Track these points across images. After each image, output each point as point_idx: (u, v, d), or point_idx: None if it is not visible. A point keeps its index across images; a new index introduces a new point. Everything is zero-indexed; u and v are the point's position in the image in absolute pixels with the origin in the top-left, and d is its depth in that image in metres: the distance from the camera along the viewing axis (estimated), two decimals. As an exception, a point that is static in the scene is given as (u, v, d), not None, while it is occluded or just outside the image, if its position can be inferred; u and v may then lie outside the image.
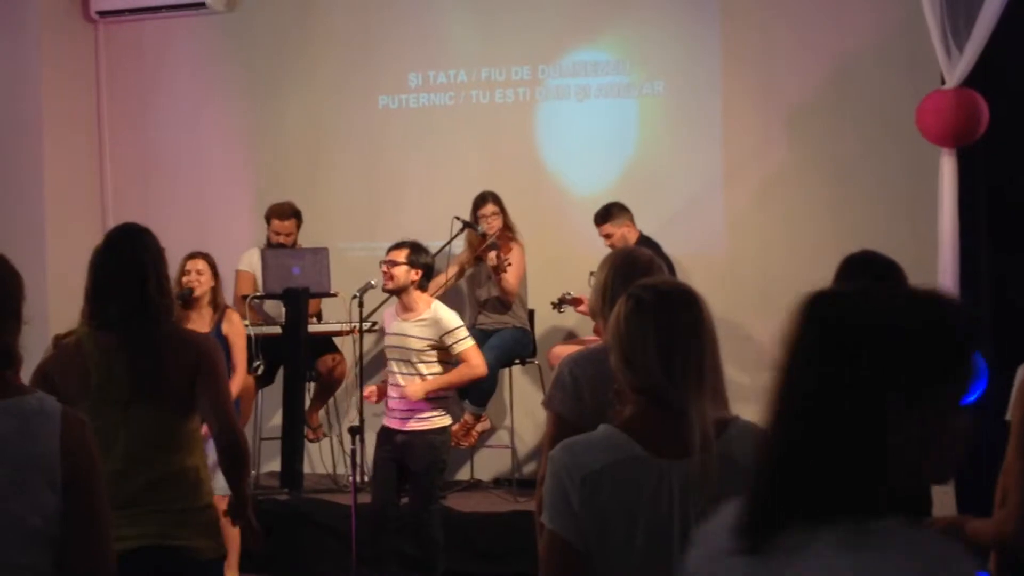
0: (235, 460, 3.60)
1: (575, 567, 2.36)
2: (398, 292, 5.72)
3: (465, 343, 5.72)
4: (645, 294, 2.44)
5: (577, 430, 3.12)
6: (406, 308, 5.75)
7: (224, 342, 5.92)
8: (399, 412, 5.73)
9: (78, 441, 2.39)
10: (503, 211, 7.22)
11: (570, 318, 7.44)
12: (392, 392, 5.78)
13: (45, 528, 2.34)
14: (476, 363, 5.75)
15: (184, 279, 5.96)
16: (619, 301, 2.48)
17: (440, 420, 5.76)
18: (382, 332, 5.95)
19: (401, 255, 5.68)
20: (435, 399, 5.72)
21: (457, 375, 5.74)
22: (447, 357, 5.74)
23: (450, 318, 5.74)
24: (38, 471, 2.33)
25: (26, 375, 2.49)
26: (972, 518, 3.01)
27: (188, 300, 5.93)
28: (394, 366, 5.75)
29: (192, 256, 6.08)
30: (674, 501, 2.32)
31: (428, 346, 5.67)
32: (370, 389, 5.98)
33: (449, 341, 5.68)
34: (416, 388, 5.63)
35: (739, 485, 2.32)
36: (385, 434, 5.80)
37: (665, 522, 2.32)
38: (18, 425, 2.34)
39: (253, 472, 7.22)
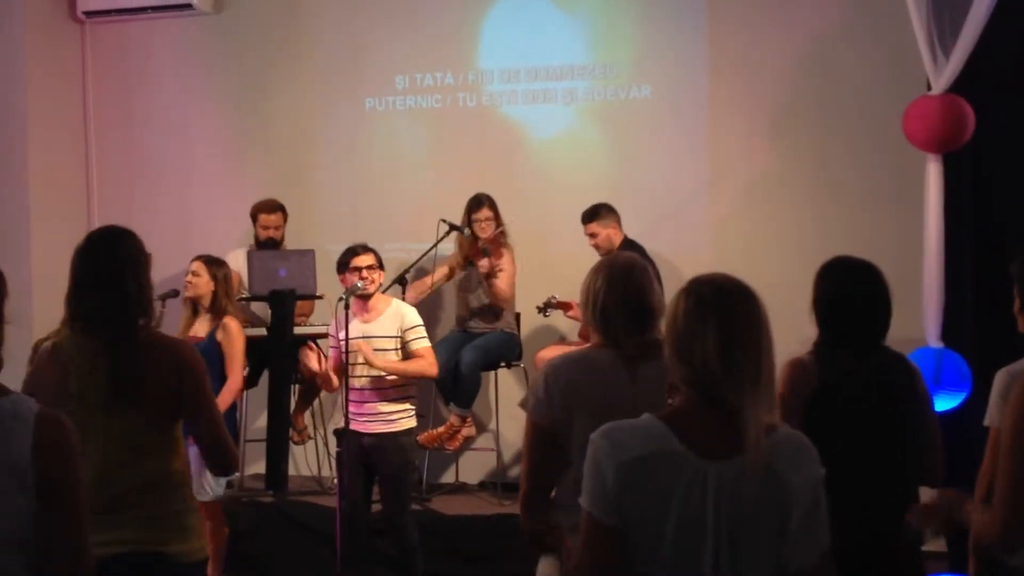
0: (224, 471, 3.63)
1: (616, 549, 2.37)
2: (372, 295, 5.77)
3: (423, 342, 5.79)
4: (704, 289, 2.43)
5: (548, 434, 3.18)
6: (368, 309, 5.77)
7: (217, 349, 5.87)
8: (366, 416, 5.73)
9: (53, 443, 2.35)
10: (497, 215, 7.18)
11: (558, 321, 7.43)
12: (354, 396, 5.76)
13: (16, 531, 2.31)
14: (432, 361, 5.80)
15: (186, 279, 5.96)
16: (676, 296, 2.47)
17: (407, 422, 5.79)
18: (333, 336, 5.88)
19: (371, 259, 5.75)
20: (401, 399, 5.73)
21: (415, 365, 5.74)
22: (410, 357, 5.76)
23: (412, 314, 5.81)
24: (9, 474, 2.30)
25: (8, 375, 2.45)
26: (969, 500, 3.05)
27: (194, 303, 5.90)
28: (358, 369, 5.73)
29: (196, 258, 6.02)
30: (707, 502, 2.31)
31: (396, 343, 5.70)
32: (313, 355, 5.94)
33: (409, 336, 5.73)
34: (382, 362, 5.65)
35: (778, 496, 2.33)
36: (351, 437, 5.76)
37: (697, 522, 2.31)
38: None
39: (238, 474, 7.21)
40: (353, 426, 5.73)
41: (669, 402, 2.48)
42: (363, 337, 5.72)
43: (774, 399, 2.43)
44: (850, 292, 3.55)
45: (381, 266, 5.82)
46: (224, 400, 5.79)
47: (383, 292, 5.91)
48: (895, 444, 3.49)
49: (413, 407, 5.86)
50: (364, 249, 5.82)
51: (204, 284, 5.91)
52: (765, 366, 2.38)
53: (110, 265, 3.34)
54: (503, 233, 7.18)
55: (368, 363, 5.66)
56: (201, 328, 5.91)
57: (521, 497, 3.27)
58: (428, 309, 6.27)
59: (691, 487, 2.31)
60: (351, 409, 5.74)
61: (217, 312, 5.92)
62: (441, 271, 7.34)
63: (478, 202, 7.16)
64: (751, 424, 2.31)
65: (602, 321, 3.23)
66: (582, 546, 2.43)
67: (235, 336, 5.92)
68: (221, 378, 5.83)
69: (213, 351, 5.81)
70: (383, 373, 5.68)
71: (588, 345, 3.38)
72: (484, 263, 6.83)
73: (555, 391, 3.18)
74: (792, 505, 2.35)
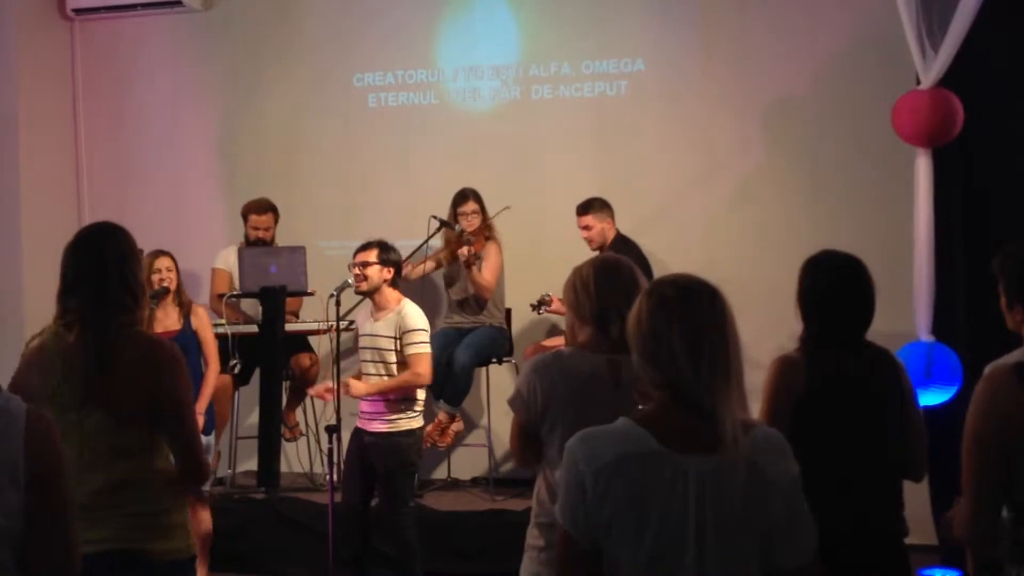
0: (195, 484, 3.57)
1: (586, 566, 2.37)
2: (372, 292, 5.70)
3: (418, 347, 5.59)
4: (667, 290, 2.41)
5: (528, 431, 3.22)
6: (378, 308, 5.71)
7: (195, 337, 5.91)
8: (368, 414, 5.70)
9: (43, 440, 2.36)
10: (483, 210, 7.22)
11: (548, 317, 7.44)
12: None
13: (7, 525, 2.31)
14: (421, 371, 5.59)
15: (154, 277, 5.88)
16: (638, 299, 2.46)
17: (407, 423, 5.67)
18: (357, 333, 5.88)
19: (372, 255, 5.64)
20: (403, 400, 5.65)
21: (399, 381, 5.61)
22: None
23: (414, 318, 5.64)
24: (1, 469, 2.31)
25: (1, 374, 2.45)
26: None
27: (163, 298, 5.89)
28: (367, 367, 5.71)
29: (160, 254, 5.98)
30: (689, 497, 2.29)
31: (394, 344, 5.62)
32: (324, 387, 5.92)
33: (406, 340, 5.59)
34: (358, 388, 5.59)
35: (762, 492, 2.33)
36: (356, 435, 5.78)
37: (678, 518, 2.30)
38: None
39: (230, 471, 7.22)
40: (359, 423, 5.75)
41: (639, 408, 2.46)
42: (371, 335, 5.69)
43: (745, 396, 2.41)
44: (835, 287, 3.52)
45: (385, 263, 5.65)
46: (208, 385, 5.89)
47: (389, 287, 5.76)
48: (882, 439, 3.48)
49: (417, 409, 5.74)
50: (371, 246, 5.69)
51: (175, 279, 5.98)
52: (734, 363, 2.36)
53: (91, 263, 3.32)
54: (489, 226, 7.20)
55: (348, 393, 5.62)
56: (172, 321, 5.92)
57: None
58: (421, 305, 6.22)
59: (672, 485, 2.30)
60: (360, 407, 5.74)
61: (182, 302, 6.00)
62: (428, 263, 7.36)
63: (463, 196, 7.22)
64: (727, 421, 2.30)
65: (593, 298, 3.26)
66: (558, 561, 2.46)
67: (207, 321, 6.07)
68: (200, 365, 5.92)
69: (192, 340, 5.86)
70: (393, 374, 5.63)
71: (575, 345, 3.37)
72: (463, 251, 6.86)
73: (537, 389, 3.22)
74: (776, 502, 2.34)
